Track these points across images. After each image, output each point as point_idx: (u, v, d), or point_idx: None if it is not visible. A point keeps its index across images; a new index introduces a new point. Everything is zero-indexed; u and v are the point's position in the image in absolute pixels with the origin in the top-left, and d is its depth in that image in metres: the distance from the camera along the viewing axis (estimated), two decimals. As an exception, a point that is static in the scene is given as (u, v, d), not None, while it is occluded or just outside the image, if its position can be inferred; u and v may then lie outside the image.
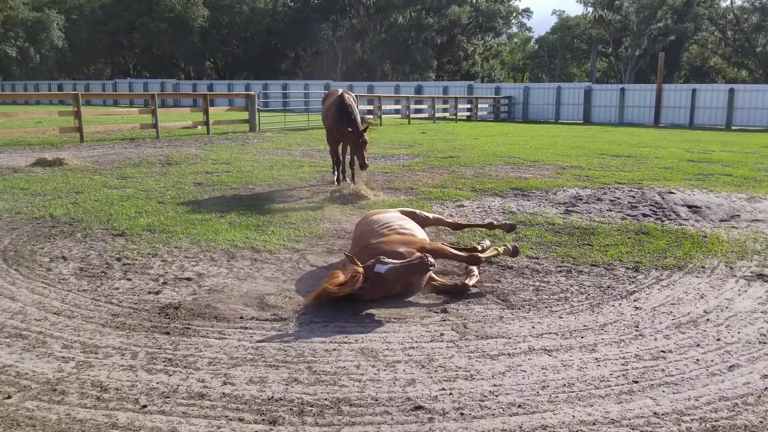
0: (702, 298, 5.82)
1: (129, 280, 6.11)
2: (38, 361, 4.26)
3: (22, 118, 26.34)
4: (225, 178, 12.44)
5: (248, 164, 14.76)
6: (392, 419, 3.58)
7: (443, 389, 3.94)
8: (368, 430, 3.46)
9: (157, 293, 5.73)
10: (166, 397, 3.78)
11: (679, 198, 10.97)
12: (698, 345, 4.71)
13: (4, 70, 72.53)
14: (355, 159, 11.39)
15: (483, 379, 4.10)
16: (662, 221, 9.20)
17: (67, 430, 3.41)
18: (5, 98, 45.30)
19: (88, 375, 4.06)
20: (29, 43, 68.21)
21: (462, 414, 3.64)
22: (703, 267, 6.80)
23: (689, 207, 10.24)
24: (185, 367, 4.20)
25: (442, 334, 4.83)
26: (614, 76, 77.27)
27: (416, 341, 4.69)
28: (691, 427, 3.53)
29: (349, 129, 11.00)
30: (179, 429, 3.44)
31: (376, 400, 3.79)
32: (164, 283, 6.03)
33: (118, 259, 6.78)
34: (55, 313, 5.17)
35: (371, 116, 31.65)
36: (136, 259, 6.80)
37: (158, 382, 3.97)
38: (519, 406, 3.74)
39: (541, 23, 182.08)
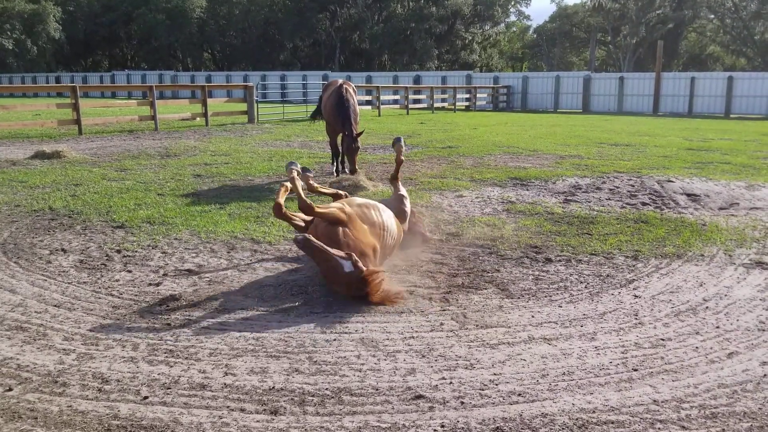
0: (701, 286, 5.84)
1: (129, 272, 6.12)
2: (39, 353, 4.27)
3: (19, 111, 26.22)
4: (224, 170, 12.43)
5: (247, 156, 14.75)
6: (393, 408, 3.59)
7: (443, 378, 3.95)
8: (369, 420, 3.47)
9: (157, 285, 5.73)
10: (168, 389, 3.79)
11: (678, 186, 10.98)
12: (697, 333, 4.73)
13: (1, 62, 72.20)
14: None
15: (483, 368, 4.11)
16: (661, 210, 9.20)
17: (68, 422, 3.42)
18: (2, 91, 45.06)
19: (89, 367, 4.07)
20: (26, 35, 67.90)
21: (462, 403, 3.66)
22: (702, 255, 6.81)
23: (688, 195, 10.25)
24: (186, 358, 4.21)
25: (441, 324, 4.85)
26: (613, 65, 77.07)
27: (416, 331, 4.71)
28: (690, 414, 3.55)
29: (345, 132, 11.09)
30: (181, 420, 3.45)
31: (377, 389, 3.81)
32: (164, 274, 6.04)
33: (118, 251, 6.79)
34: (55, 306, 5.18)
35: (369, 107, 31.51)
36: (136, 251, 6.80)
37: (159, 374, 3.98)
38: (519, 395, 3.76)
39: (539, 12, 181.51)
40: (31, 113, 27.00)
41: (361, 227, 5.75)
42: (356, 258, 5.14)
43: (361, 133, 11.33)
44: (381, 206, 6.37)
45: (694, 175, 12.23)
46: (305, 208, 5.56)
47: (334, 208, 5.72)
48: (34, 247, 6.95)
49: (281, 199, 5.75)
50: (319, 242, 5.08)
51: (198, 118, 23.73)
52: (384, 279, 5.26)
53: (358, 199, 6.42)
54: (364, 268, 5.09)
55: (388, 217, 6.27)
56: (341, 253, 5.14)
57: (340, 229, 5.52)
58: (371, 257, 5.58)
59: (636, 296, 5.55)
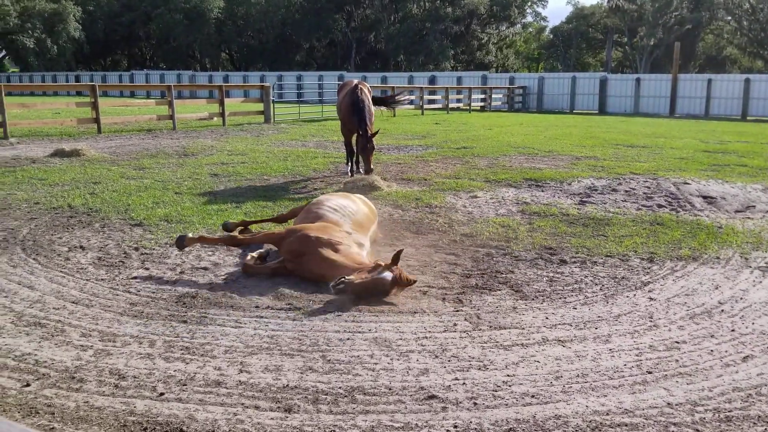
0: (716, 289, 5.80)
1: (147, 269, 6.18)
2: (57, 349, 4.33)
3: (39, 109, 26.53)
4: (240, 169, 12.50)
5: (263, 155, 14.82)
6: (406, 408, 3.61)
7: (456, 379, 3.96)
8: (382, 419, 3.49)
9: (174, 282, 5.78)
10: (183, 385, 3.83)
11: (695, 188, 10.91)
12: (712, 336, 4.71)
13: (22, 61, 73.01)
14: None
15: (496, 369, 4.12)
16: (677, 212, 9.15)
17: (85, 418, 3.46)
18: (23, 89, 45.57)
19: (106, 363, 4.12)
20: (46, 34, 68.59)
21: (475, 403, 3.67)
22: (717, 258, 6.77)
23: (704, 198, 10.18)
24: (202, 355, 4.26)
25: (455, 324, 4.86)
26: (629, 66, 76.57)
27: (429, 331, 4.72)
28: (704, 417, 3.53)
29: (359, 131, 11.10)
30: (196, 416, 3.49)
31: (390, 389, 3.83)
32: (181, 272, 6.10)
33: (136, 249, 6.85)
34: (73, 302, 5.24)
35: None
36: (154, 249, 6.87)
37: (175, 370, 4.02)
38: (532, 396, 3.76)
39: (556, 13, 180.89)
40: (51, 112, 27.32)
41: (321, 225, 6.13)
42: (390, 266, 5.31)
43: (376, 133, 11.35)
44: (324, 197, 6.99)
45: (710, 178, 12.14)
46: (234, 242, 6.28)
47: (261, 233, 6.30)
48: (52, 244, 7.03)
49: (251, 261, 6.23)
50: (357, 280, 5.23)
51: (215, 118, 23.88)
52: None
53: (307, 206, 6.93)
54: (400, 270, 5.32)
55: (343, 202, 6.76)
56: (378, 272, 5.30)
57: (294, 237, 5.90)
58: (351, 232, 6.13)
59: (651, 299, 5.53)
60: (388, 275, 5.23)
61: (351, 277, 5.23)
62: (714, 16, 68.98)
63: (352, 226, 6.34)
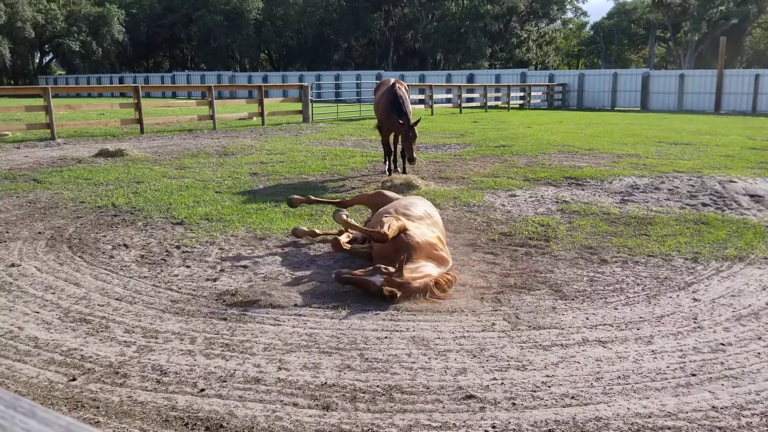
0: (764, 289, 5.65)
1: (188, 267, 6.28)
2: (101, 345, 4.43)
3: (85, 111, 27.21)
4: (279, 169, 12.61)
5: (301, 155, 14.93)
6: (444, 407, 3.60)
7: (495, 379, 3.93)
8: (420, 418, 3.48)
9: (214, 280, 5.87)
10: (223, 381, 3.88)
11: (741, 187, 10.63)
12: (759, 338, 4.58)
13: (68, 63, 75.05)
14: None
15: (535, 369, 4.08)
16: (723, 211, 8.94)
17: (128, 412, 3.53)
18: (69, 91, 46.74)
19: (149, 359, 4.20)
20: (91, 37, 70.32)
21: (514, 404, 3.64)
22: (765, 258, 6.59)
23: (751, 196, 9.92)
24: (241, 352, 4.31)
25: (493, 324, 4.82)
26: (673, 62, 74.97)
27: (467, 331, 4.69)
28: (751, 422, 3.44)
29: (400, 121, 11.09)
30: (236, 412, 3.53)
31: (428, 388, 3.82)
32: (221, 270, 6.18)
33: (178, 247, 6.97)
34: (117, 299, 5.35)
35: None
36: (195, 247, 6.97)
37: (216, 367, 4.08)
38: (572, 398, 3.71)
39: (596, 8, 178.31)
40: (96, 113, 27.95)
41: (416, 226, 6.01)
42: (384, 268, 5.30)
43: (417, 122, 11.31)
44: (414, 199, 6.79)
45: (757, 176, 11.82)
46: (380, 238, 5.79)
47: (383, 228, 5.90)
48: (97, 242, 7.19)
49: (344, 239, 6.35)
50: (347, 273, 5.39)
51: (255, 118, 24.14)
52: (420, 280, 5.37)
53: (395, 203, 6.68)
54: (397, 278, 5.23)
55: (426, 206, 6.61)
56: (369, 273, 5.33)
57: (401, 235, 5.79)
58: (441, 247, 5.97)
59: (695, 299, 5.41)
60: (377, 279, 5.24)
61: (344, 269, 5.38)
62: (762, 10, 67.07)
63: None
